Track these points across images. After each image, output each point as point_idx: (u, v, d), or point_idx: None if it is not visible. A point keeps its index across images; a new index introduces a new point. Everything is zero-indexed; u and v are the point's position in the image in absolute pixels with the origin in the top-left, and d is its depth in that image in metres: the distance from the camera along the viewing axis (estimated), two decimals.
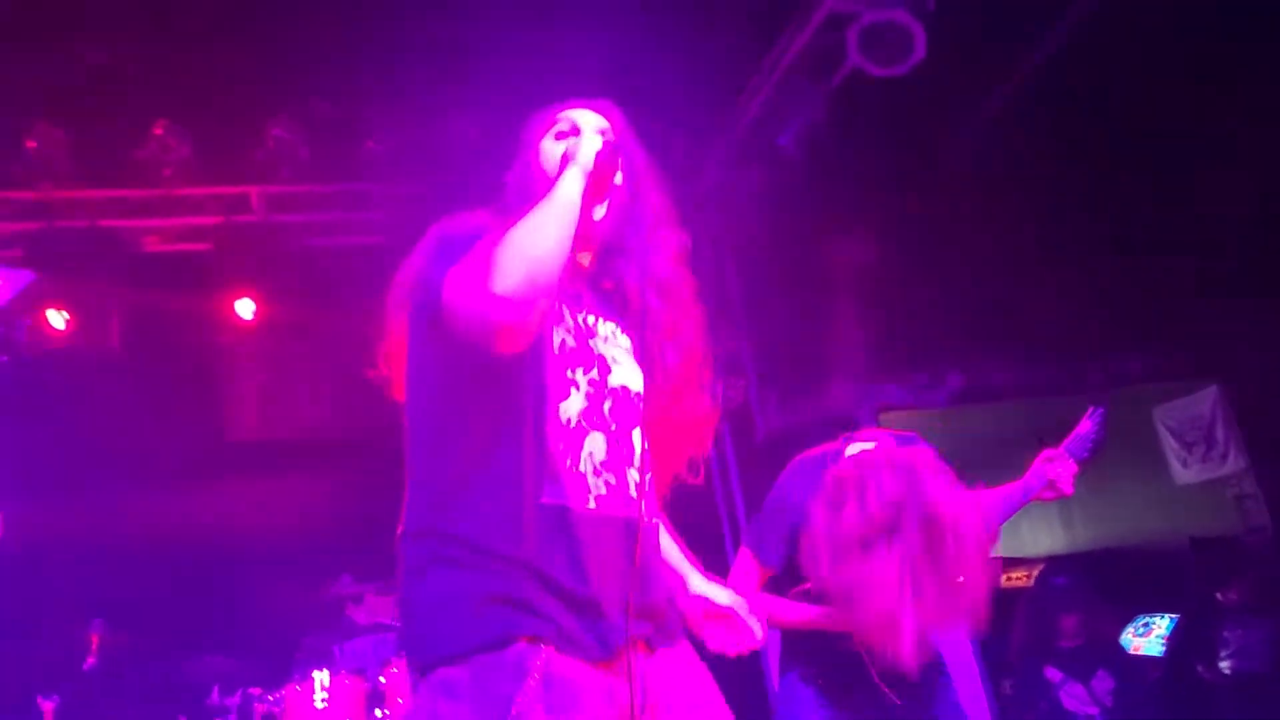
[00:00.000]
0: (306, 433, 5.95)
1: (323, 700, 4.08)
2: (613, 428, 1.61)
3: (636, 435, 1.64)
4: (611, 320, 1.71)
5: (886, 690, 2.48)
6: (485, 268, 1.43)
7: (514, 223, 1.49)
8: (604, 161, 1.60)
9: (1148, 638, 5.50)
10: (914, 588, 2.19)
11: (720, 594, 1.83)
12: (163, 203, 5.30)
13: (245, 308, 5.56)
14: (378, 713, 4.20)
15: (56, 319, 5.21)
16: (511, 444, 1.52)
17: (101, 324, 5.36)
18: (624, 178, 1.70)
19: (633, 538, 1.56)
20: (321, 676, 4.13)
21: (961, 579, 2.23)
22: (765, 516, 2.66)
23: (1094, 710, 4.44)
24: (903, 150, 5.30)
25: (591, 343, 1.65)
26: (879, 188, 5.45)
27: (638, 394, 1.66)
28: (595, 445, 1.58)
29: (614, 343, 1.69)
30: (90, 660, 4.40)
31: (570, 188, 1.55)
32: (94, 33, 4.22)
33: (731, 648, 1.82)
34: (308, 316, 5.68)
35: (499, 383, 1.53)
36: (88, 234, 5.15)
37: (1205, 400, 6.76)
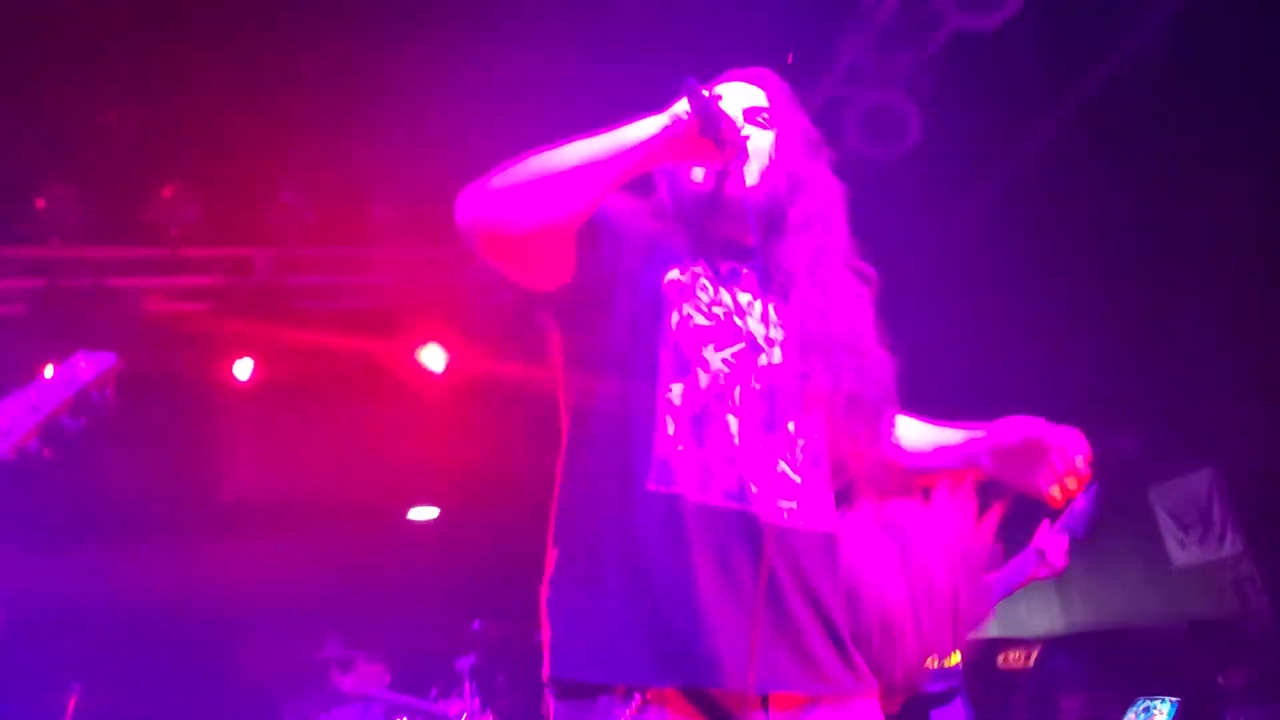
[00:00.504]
0: (300, 495, 5.91)
1: None
2: (755, 413, 1.42)
3: (794, 425, 1.45)
4: (773, 300, 1.54)
5: None
6: (491, 174, 1.37)
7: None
8: (702, 113, 1.40)
9: None
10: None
11: (1004, 428, 1.53)
12: (167, 262, 5.35)
13: (243, 368, 5.57)
14: None
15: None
16: (617, 427, 1.40)
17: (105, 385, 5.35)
18: (779, 151, 1.58)
19: (772, 544, 1.32)
20: None
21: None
22: None
23: None
24: (900, 223, 5.38)
25: (740, 320, 1.49)
26: (877, 262, 5.52)
27: (800, 376, 1.49)
28: (728, 430, 1.39)
29: (772, 321, 1.52)
30: None
31: (637, 127, 1.42)
32: (107, 94, 4.31)
33: (1054, 481, 1.45)
34: (306, 379, 5.68)
35: (608, 363, 1.45)
36: (91, 292, 5.18)
37: (1201, 482, 6.73)
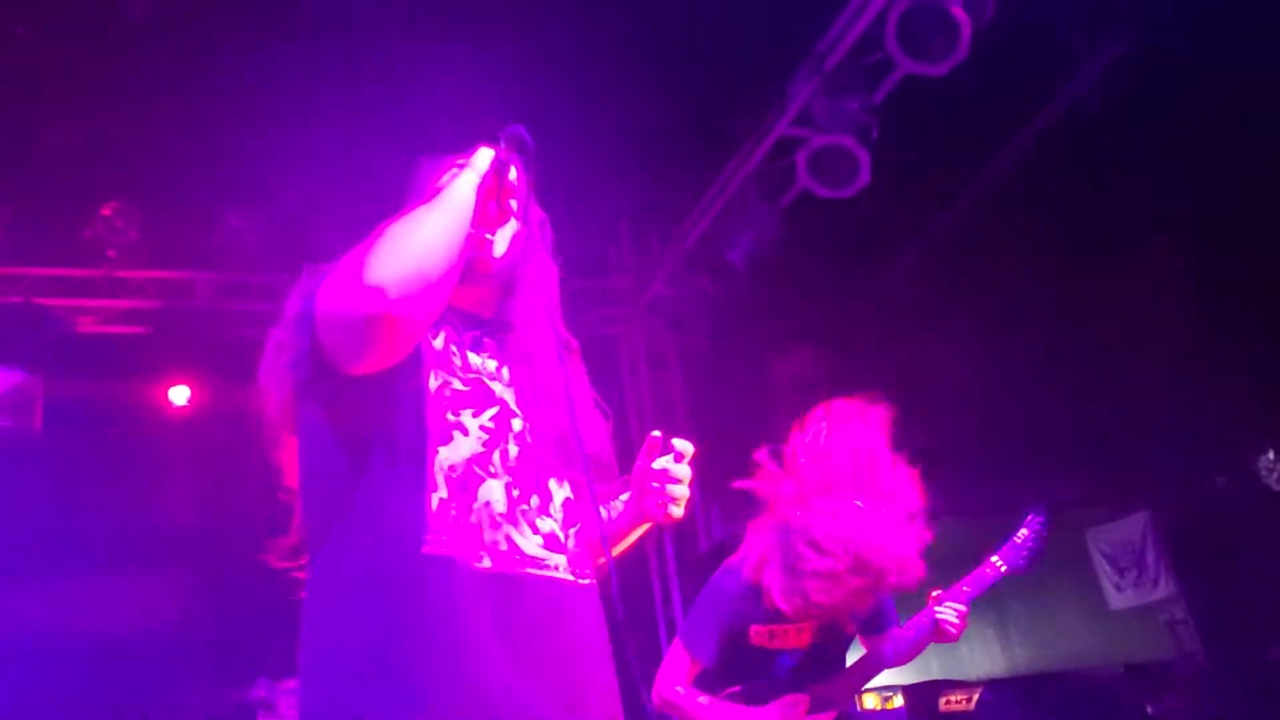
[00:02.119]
0: (237, 527, 5.73)
1: None
2: (513, 475, 1.44)
3: (554, 483, 1.49)
4: (509, 365, 1.56)
5: None
6: (360, 262, 1.33)
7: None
8: (499, 170, 1.46)
9: None
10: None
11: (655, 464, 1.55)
12: (103, 283, 5.21)
13: (179, 394, 5.43)
14: None
15: None
16: (391, 494, 1.37)
17: (25, 405, 5.16)
18: (521, 218, 1.57)
19: (545, 599, 1.37)
20: None
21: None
22: (699, 611, 2.63)
23: None
24: (846, 268, 5.47)
25: (490, 384, 1.51)
26: (822, 304, 5.59)
27: (552, 437, 1.52)
28: (492, 495, 1.41)
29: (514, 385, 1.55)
30: None
31: (462, 186, 1.43)
32: (47, 109, 4.21)
33: (663, 502, 1.53)
34: (243, 406, 5.54)
35: (376, 432, 1.41)
36: (20, 311, 5.00)
37: (1135, 525, 6.88)
